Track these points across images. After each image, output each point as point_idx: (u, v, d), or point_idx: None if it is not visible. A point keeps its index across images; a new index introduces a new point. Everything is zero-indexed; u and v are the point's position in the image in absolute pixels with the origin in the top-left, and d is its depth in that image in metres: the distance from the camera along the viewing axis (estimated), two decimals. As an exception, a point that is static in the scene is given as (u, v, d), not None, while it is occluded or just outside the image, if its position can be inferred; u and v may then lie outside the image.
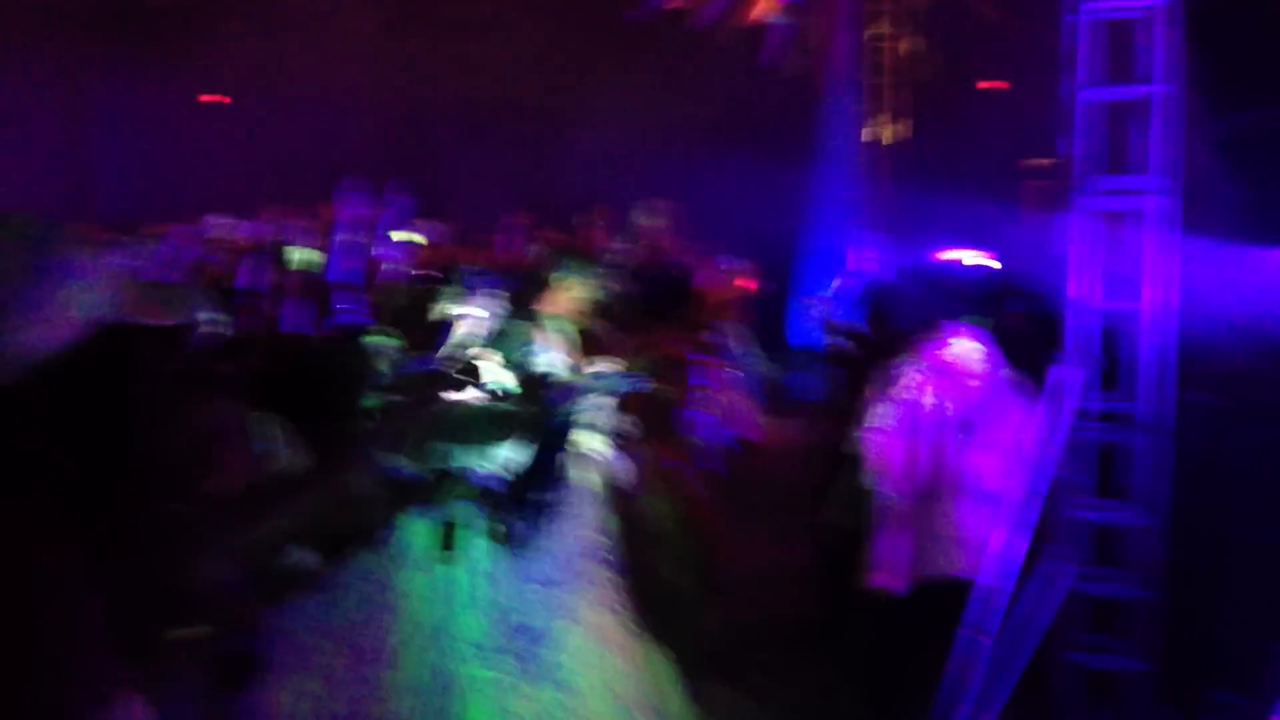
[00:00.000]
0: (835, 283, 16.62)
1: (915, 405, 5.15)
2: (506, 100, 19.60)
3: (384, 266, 6.01)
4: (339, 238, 5.03)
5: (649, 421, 7.38)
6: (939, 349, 5.18)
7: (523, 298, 6.19)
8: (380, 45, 19.51)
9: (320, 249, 4.98)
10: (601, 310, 7.64)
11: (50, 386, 2.14)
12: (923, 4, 16.04)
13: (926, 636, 5.31)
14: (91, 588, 2.37)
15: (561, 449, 4.80)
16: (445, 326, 4.94)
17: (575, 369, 6.14)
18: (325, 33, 18.85)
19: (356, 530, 3.58)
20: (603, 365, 5.78)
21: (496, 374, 5.17)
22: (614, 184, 13.64)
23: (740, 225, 17.21)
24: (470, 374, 5.13)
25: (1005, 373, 5.21)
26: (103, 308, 2.10)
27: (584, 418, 5.14)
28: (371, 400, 4.08)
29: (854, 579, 5.39)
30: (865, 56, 15.76)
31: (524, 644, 4.42)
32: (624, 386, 5.05)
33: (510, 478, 4.62)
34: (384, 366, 4.19)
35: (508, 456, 4.56)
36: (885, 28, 15.68)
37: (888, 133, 15.86)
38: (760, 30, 15.39)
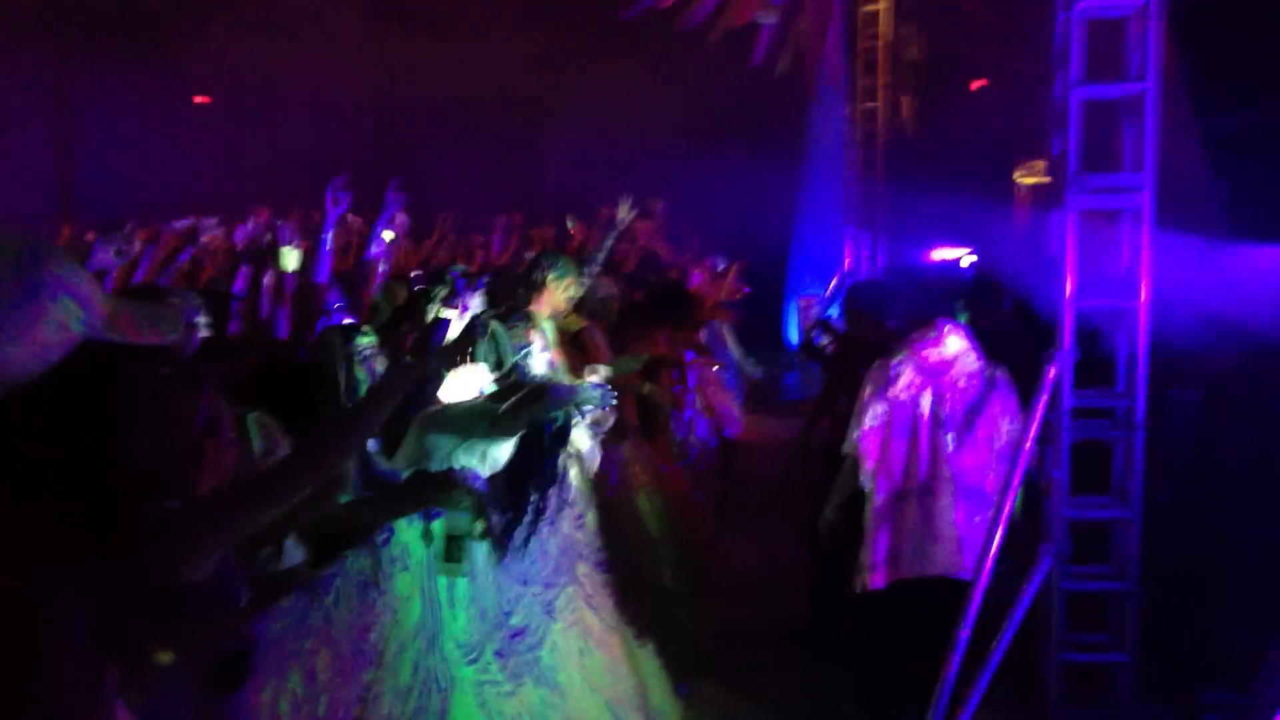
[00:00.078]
0: (833, 282, 16.69)
1: (908, 404, 5.15)
2: (492, 99, 19.60)
3: (380, 267, 6.00)
4: (328, 238, 5.01)
5: (640, 421, 7.40)
6: (930, 347, 5.19)
7: (517, 299, 6.20)
8: (367, 45, 19.51)
9: (311, 249, 4.96)
10: (593, 310, 7.66)
11: (36, 399, 2.12)
12: (914, 4, 16.06)
13: (921, 635, 5.31)
14: (82, 591, 2.36)
15: (560, 451, 4.80)
16: (441, 327, 4.94)
17: (568, 371, 6.17)
18: (313, 34, 18.83)
19: (348, 531, 3.58)
20: (597, 374, 5.79)
21: (484, 378, 5.18)
22: (604, 184, 13.64)
23: (732, 224, 17.23)
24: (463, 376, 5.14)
25: (996, 371, 5.22)
26: (94, 327, 2.08)
27: (577, 419, 5.14)
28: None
29: (848, 578, 5.39)
30: (855, 56, 15.76)
31: (509, 643, 4.42)
32: (606, 401, 5.05)
33: (507, 479, 4.63)
34: (378, 367, 4.18)
35: (507, 458, 4.56)
36: (876, 27, 15.67)
37: (878, 130, 15.87)
38: (751, 30, 15.40)
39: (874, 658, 5.47)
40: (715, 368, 11.52)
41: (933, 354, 5.18)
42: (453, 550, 3.93)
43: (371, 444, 4.25)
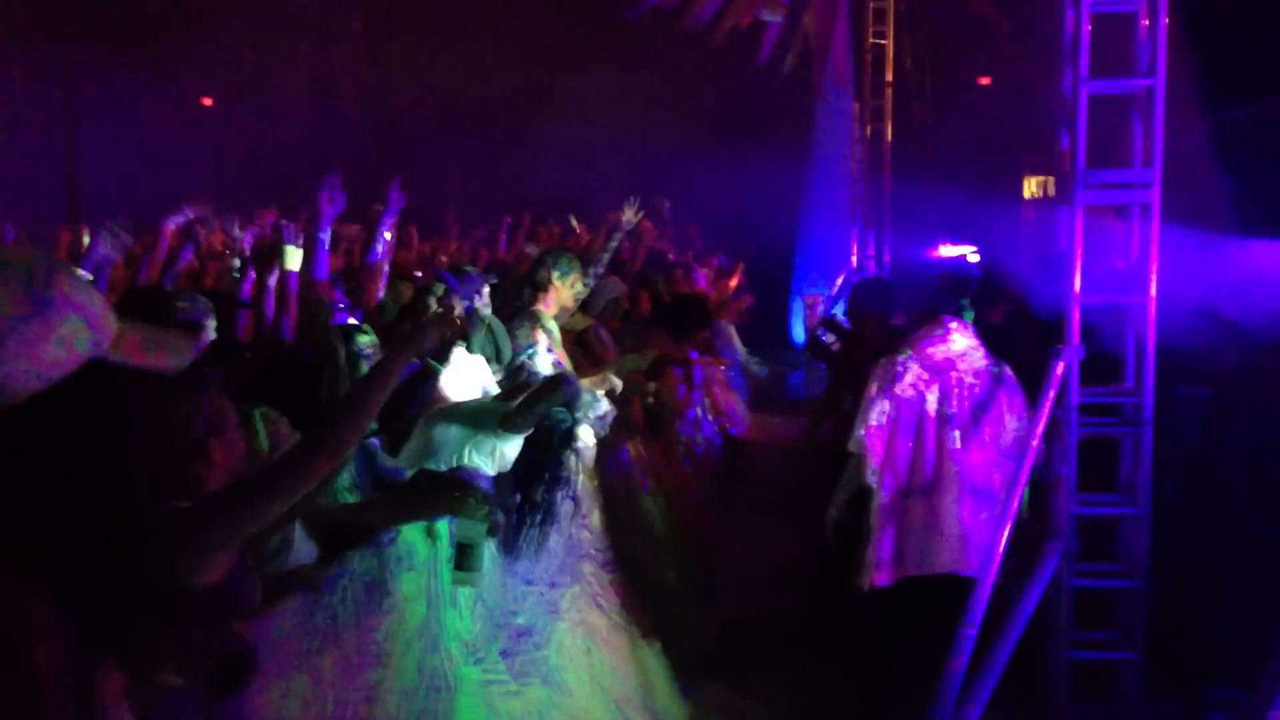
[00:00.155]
0: (838, 280, 16.65)
1: (913, 401, 5.13)
2: (494, 98, 19.61)
3: (385, 267, 6.01)
4: (324, 236, 5.02)
5: (646, 420, 7.39)
6: (936, 344, 5.17)
7: (522, 298, 6.20)
8: (369, 45, 19.53)
9: (311, 249, 4.97)
10: (602, 310, 7.66)
11: (36, 403, 2.11)
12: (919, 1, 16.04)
13: (927, 633, 5.30)
14: (81, 598, 2.35)
15: (567, 452, 4.80)
16: None
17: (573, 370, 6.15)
18: (316, 34, 18.85)
19: (353, 531, 3.57)
20: (601, 382, 5.79)
21: (482, 370, 5.17)
22: (609, 183, 13.64)
23: (737, 223, 17.24)
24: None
25: (1002, 368, 5.21)
26: (100, 347, 2.07)
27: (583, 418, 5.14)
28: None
29: (852, 577, 5.38)
30: (862, 53, 15.74)
31: (514, 642, 4.41)
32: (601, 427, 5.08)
33: (514, 479, 4.62)
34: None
35: (514, 456, 4.56)
36: (883, 24, 15.65)
37: (885, 129, 15.85)
38: (756, 28, 15.39)
39: (879, 656, 5.46)
40: (720, 367, 11.52)
41: (938, 351, 5.17)
42: (465, 559, 3.93)
43: (374, 442, 4.25)
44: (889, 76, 15.76)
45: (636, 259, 11.13)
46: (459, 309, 4.97)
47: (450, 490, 4.04)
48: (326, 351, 4.04)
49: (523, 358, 5.41)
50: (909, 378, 5.14)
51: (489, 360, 5.43)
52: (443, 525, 3.93)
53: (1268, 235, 6.05)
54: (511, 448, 4.52)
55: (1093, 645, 5.16)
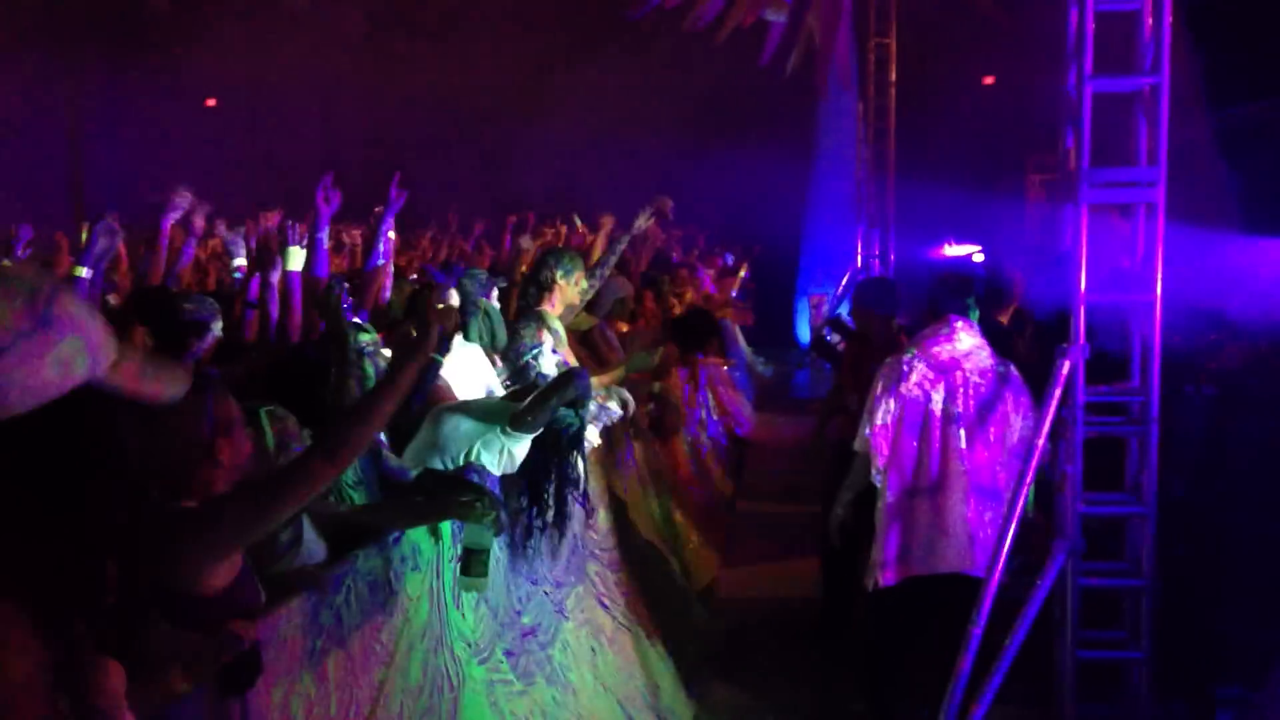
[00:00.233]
0: (844, 279, 16.66)
1: (919, 400, 5.12)
2: (497, 98, 19.60)
3: (387, 266, 6.01)
4: (322, 236, 5.05)
5: (652, 420, 7.39)
6: (942, 344, 5.17)
7: (527, 298, 6.20)
8: (367, 46, 19.53)
9: (310, 248, 4.99)
10: (609, 311, 7.66)
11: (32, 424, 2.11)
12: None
13: (933, 633, 5.29)
14: (93, 592, 2.36)
15: (575, 454, 4.80)
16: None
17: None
18: (319, 36, 18.86)
19: (360, 532, 3.57)
20: (615, 400, 5.80)
21: (479, 358, 5.17)
22: (612, 183, 13.64)
23: (742, 222, 17.23)
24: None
25: (1008, 367, 5.20)
26: (97, 372, 2.07)
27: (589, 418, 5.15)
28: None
29: (858, 576, 5.37)
30: (866, 52, 15.71)
31: (520, 642, 4.41)
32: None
33: (521, 479, 4.63)
34: (381, 363, 4.18)
35: (523, 457, 4.56)
36: (887, 22, 15.62)
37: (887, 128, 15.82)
38: (760, 28, 15.38)
39: (885, 656, 5.45)
40: (726, 367, 11.52)
41: (944, 350, 5.15)
42: (473, 565, 3.93)
43: (379, 439, 4.25)
44: (892, 76, 15.72)
45: (641, 259, 11.13)
46: (451, 302, 4.98)
47: (457, 493, 4.03)
48: (335, 347, 4.04)
49: (527, 357, 5.41)
50: (915, 377, 5.13)
51: (485, 345, 5.43)
52: (447, 525, 3.93)
53: (1271, 233, 6.04)
54: (520, 448, 4.52)
55: (1100, 644, 5.15)
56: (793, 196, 19.81)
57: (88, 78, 19.52)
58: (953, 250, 15.51)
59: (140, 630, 2.65)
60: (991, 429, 5.12)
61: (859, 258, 16.48)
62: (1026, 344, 6.55)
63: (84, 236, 7.54)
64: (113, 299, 5.97)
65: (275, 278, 4.84)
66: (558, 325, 6.12)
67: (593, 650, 5.07)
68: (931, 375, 5.13)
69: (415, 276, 7.61)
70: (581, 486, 4.88)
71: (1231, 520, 5.46)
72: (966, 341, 5.17)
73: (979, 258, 14.53)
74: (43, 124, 18.73)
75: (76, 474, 2.30)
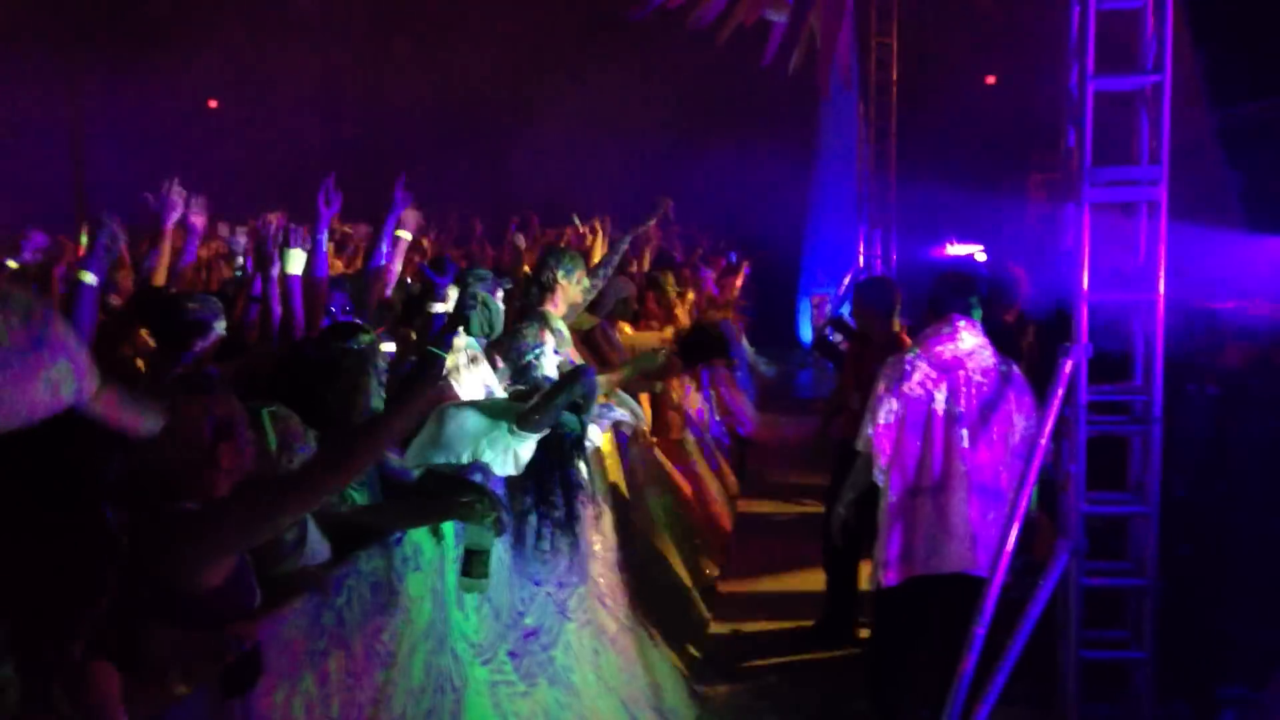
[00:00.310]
0: (846, 279, 16.66)
1: (921, 400, 5.12)
2: (498, 99, 19.60)
3: (395, 266, 6.02)
4: (322, 238, 5.06)
5: (654, 420, 7.38)
6: (945, 343, 5.16)
7: (529, 298, 6.20)
8: (369, 47, 19.53)
9: (311, 251, 5.00)
10: (612, 310, 7.66)
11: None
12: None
13: (936, 632, 5.29)
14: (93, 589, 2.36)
15: (578, 457, 4.80)
16: (436, 321, 4.95)
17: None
18: (316, 37, 18.86)
19: (362, 533, 3.57)
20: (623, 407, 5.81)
21: (488, 376, 5.17)
22: (615, 183, 13.64)
23: (745, 223, 17.22)
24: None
25: (1011, 367, 5.19)
26: (81, 398, 2.08)
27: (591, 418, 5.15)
28: (376, 401, 4.07)
29: (862, 576, 5.37)
30: (868, 52, 15.70)
31: (523, 643, 4.41)
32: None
33: (524, 480, 4.63)
34: (380, 364, 4.18)
35: (528, 458, 4.56)
36: (889, 22, 15.61)
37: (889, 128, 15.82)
38: (761, 28, 15.36)
39: (888, 656, 5.45)
40: (728, 367, 11.52)
41: (947, 350, 5.15)
42: (474, 566, 3.93)
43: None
44: (894, 75, 15.72)
45: (644, 260, 11.13)
46: (449, 299, 4.99)
47: (458, 493, 4.03)
48: (338, 352, 4.05)
49: (529, 357, 5.41)
50: (917, 376, 5.13)
51: (484, 336, 5.43)
52: (449, 525, 3.93)
53: (1273, 231, 6.03)
54: (525, 449, 4.52)
55: (1103, 644, 5.14)
56: (794, 196, 19.81)
57: (89, 79, 19.52)
58: (955, 249, 15.51)
59: (139, 632, 2.65)
60: (994, 428, 5.11)
61: (861, 257, 16.48)
62: (1030, 343, 6.56)
63: (83, 238, 7.56)
64: (114, 300, 5.97)
65: (275, 272, 4.85)
66: (561, 325, 6.12)
67: (595, 651, 5.06)
68: (934, 375, 5.13)
69: (410, 280, 7.62)
70: (588, 490, 4.88)
71: (1234, 520, 5.46)
72: (969, 341, 5.16)
73: (981, 257, 14.55)
74: (44, 125, 18.73)
75: (74, 475, 2.30)
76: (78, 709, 2.19)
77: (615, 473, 6.37)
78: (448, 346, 4.41)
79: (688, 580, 7.03)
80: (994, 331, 5.44)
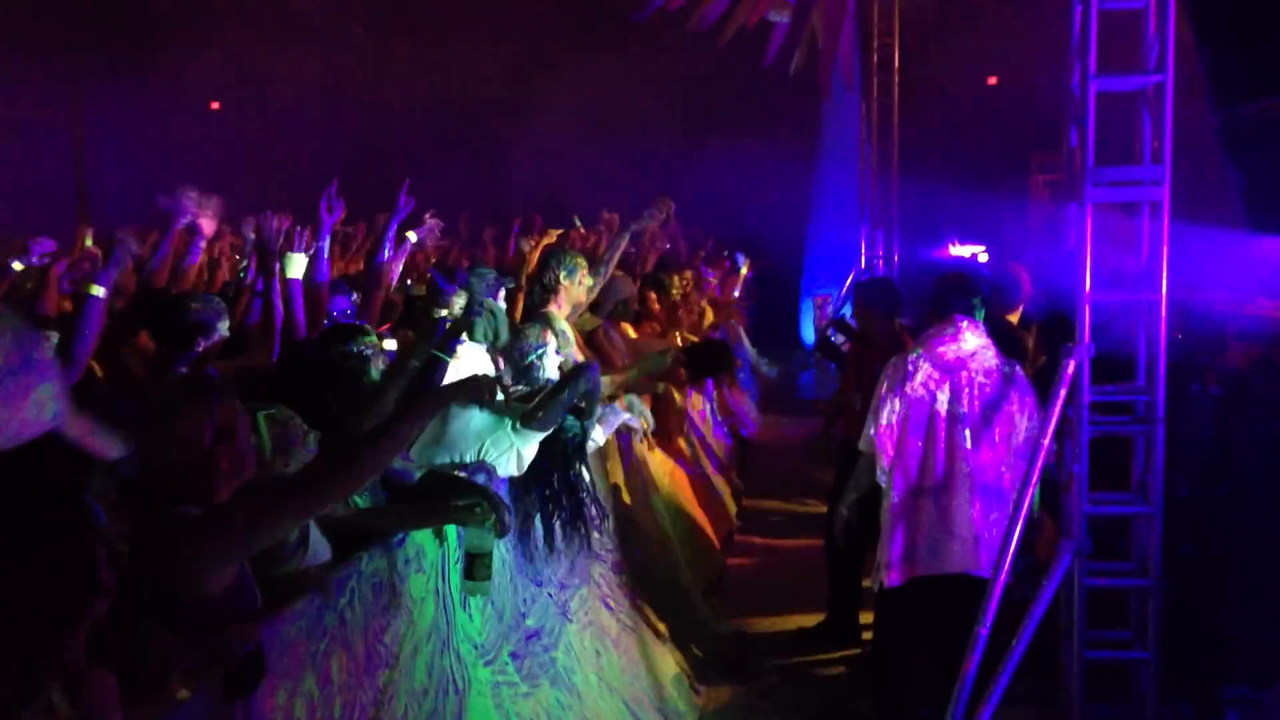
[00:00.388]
0: (848, 280, 16.65)
1: (924, 400, 5.11)
2: (500, 99, 19.59)
3: (394, 267, 6.02)
4: (324, 245, 5.08)
5: (656, 421, 7.38)
6: (947, 343, 5.15)
7: (533, 299, 6.21)
8: (370, 48, 19.54)
9: (314, 252, 5.01)
10: (612, 311, 7.65)
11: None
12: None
13: (939, 633, 5.29)
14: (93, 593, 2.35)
15: (581, 459, 4.80)
16: (439, 325, 4.94)
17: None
18: (318, 38, 18.87)
19: (362, 535, 3.57)
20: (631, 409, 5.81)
21: (481, 356, 5.17)
22: (616, 183, 13.64)
23: (747, 223, 17.22)
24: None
25: (1012, 368, 5.18)
26: (59, 421, 2.09)
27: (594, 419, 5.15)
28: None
29: (864, 577, 5.37)
30: (869, 52, 15.69)
31: (525, 644, 4.40)
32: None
33: (526, 482, 4.62)
34: (381, 366, 4.18)
35: (531, 459, 4.55)
36: (890, 22, 15.59)
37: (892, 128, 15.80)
38: (763, 29, 15.36)
39: (891, 656, 5.44)
40: (731, 382, 11.51)
41: (949, 350, 5.15)
42: (476, 569, 3.93)
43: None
44: (896, 76, 15.70)
45: (647, 261, 11.12)
46: (456, 306, 4.99)
47: (459, 496, 4.03)
48: (340, 355, 4.05)
49: (532, 357, 5.41)
50: (920, 377, 5.13)
51: (488, 343, 5.44)
52: (451, 527, 3.93)
53: (1274, 231, 6.01)
54: (529, 449, 4.52)
55: (1106, 644, 5.13)
56: (796, 197, 19.81)
57: (91, 81, 19.54)
58: (957, 250, 15.49)
59: (140, 636, 2.65)
60: (996, 429, 5.11)
61: (863, 258, 16.46)
62: (1033, 344, 6.55)
63: (88, 241, 7.56)
64: (116, 301, 5.97)
65: (276, 267, 4.86)
66: (564, 326, 6.12)
67: (597, 652, 5.06)
68: (937, 375, 5.12)
69: (410, 282, 7.62)
70: (589, 491, 4.88)
71: (1237, 520, 5.45)
72: (972, 341, 5.16)
73: (983, 257, 14.53)
74: (45, 126, 18.75)
75: (72, 476, 2.30)
76: (78, 713, 2.19)
77: (617, 474, 6.37)
78: (452, 352, 4.42)
79: (690, 581, 7.02)
80: (996, 332, 5.44)
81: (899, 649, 5.41)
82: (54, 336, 4.40)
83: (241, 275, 6.47)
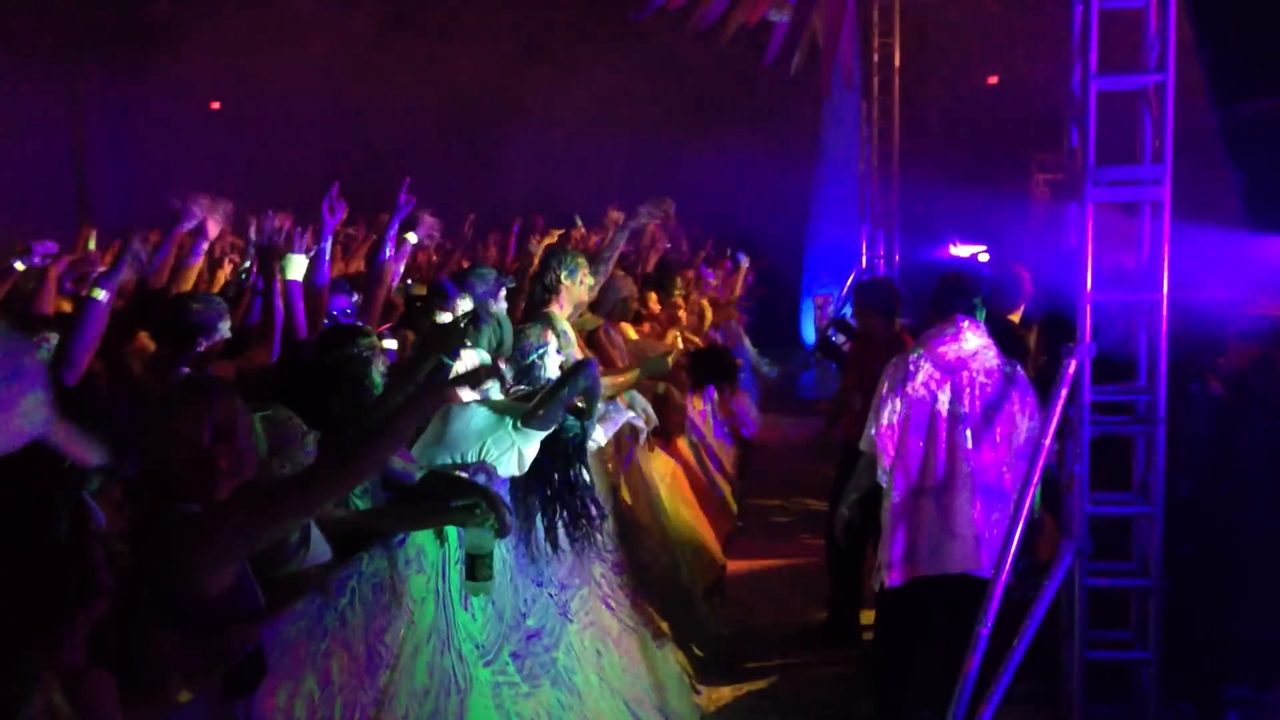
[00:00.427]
0: (849, 280, 16.65)
1: (925, 400, 5.11)
2: (500, 100, 19.59)
3: (395, 267, 6.02)
4: (326, 246, 5.08)
5: (657, 421, 7.38)
6: (948, 344, 5.15)
7: (534, 299, 6.20)
8: (372, 48, 19.53)
9: (313, 257, 5.01)
10: (611, 310, 7.65)
11: None
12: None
13: (940, 633, 5.29)
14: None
15: (581, 459, 4.80)
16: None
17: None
18: (319, 38, 18.87)
19: (363, 537, 3.56)
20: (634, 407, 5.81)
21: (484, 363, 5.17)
22: (617, 184, 13.63)
23: (747, 223, 17.21)
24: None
25: (1013, 368, 5.18)
26: (46, 428, 2.09)
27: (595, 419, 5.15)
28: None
29: (865, 577, 5.36)
30: (870, 52, 15.68)
31: (525, 644, 4.40)
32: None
33: (528, 482, 4.62)
34: (381, 368, 4.17)
35: (533, 458, 4.55)
36: (890, 22, 15.59)
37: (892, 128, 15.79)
38: (764, 29, 15.37)
39: (892, 656, 5.44)
40: (732, 392, 11.51)
41: (950, 350, 5.14)
42: (477, 569, 3.93)
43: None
44: (896, 75, 15.70)
45: (648, 262, 11.12)
46: (459, 310, 4.99)
47: (459, 497, 4.03)
48: (340, 358, 4.05)
49: (533, 357, 5.41)
50: (921, 377, 5.12)
51: (491, 350, 5.44)
52: (452, 528, 3.93)
53: (1275, 230, 6.02)
54: (530, 448, 4.52)
55: (1107, 644, 5.13)
56: (797, 197, 19.81)
57: (91, 82, 19.54)
58: (958, 250, 15.48)
59: (140, 635, 2.65)
60: (998, 429, 5.11)
61: (863, 258, 16.46)
62: (1034, 344, 6.55)
63: (92, 244, 7.56)
64: (117, 302, 5.97)
65: (275, 267, 4.86)
66: (566, 327, 6.11)
67: (598, 652, 5.06)
68: (938, 375, 5.12)
69: (410, 282, 7.62)
70: (590, 491, 4.88)
71: (1238, 520, 5.45)
72: (973, 341, 5.16)
73: (984, 257, 14.53)
74: (46, 129, 18.74)
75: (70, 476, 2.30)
76: (78, 715, 2.18)
77: (617, 474, 6.37)
78: (456, 356, 4.42)
79: (690, 581, 7.02)
80: (997, 332, 5.44)
81: (900, 649, 5.41)
82: (53, 338, 4.41)
83: (244, 277, 6.47)
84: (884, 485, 5.20)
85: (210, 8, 18.91)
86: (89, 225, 8.25)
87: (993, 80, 19.13)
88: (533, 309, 6.18)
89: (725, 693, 6.11)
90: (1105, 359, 5.01)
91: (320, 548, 3.41)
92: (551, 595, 4.77)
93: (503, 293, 6.01)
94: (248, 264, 6.56)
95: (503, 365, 5.27)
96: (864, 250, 16.45)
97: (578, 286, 6.15)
